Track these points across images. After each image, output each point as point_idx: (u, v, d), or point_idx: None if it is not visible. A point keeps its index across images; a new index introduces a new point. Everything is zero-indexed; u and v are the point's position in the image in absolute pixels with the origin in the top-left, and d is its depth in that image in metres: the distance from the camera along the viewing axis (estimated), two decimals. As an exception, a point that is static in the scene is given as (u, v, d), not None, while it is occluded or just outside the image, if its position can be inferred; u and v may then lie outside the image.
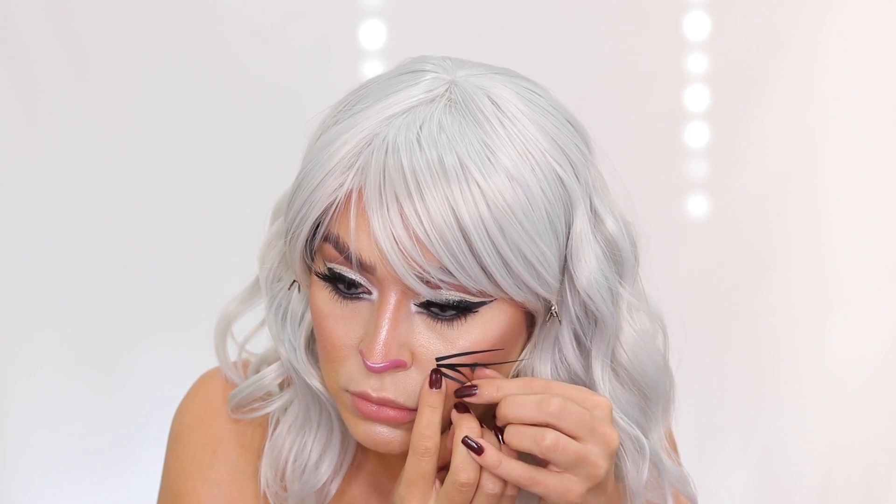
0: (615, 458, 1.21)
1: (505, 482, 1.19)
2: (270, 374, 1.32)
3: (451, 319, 1.17)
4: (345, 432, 1.32)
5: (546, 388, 1.19)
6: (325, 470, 1.32)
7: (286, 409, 1.32)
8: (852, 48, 2.50)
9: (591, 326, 1.23)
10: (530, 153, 1.16)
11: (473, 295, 1.16)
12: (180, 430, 1.35)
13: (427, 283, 1.15)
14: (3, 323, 2.47)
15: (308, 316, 1.28)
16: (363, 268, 1.16)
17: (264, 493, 1.32)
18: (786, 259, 2.54)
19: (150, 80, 2.45)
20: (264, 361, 1.35)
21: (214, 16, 2.45)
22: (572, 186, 1.18)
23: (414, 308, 1.17)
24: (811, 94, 2.51)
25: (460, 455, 1.17)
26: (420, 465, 1.18)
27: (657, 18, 2.52)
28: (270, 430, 1.32)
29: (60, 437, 2.46)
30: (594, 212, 1.21)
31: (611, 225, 1.22)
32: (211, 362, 1.39)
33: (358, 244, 1.16)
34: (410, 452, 1.18)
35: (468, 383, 1.19)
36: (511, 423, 1.18)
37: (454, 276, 1.14)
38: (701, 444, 2.49)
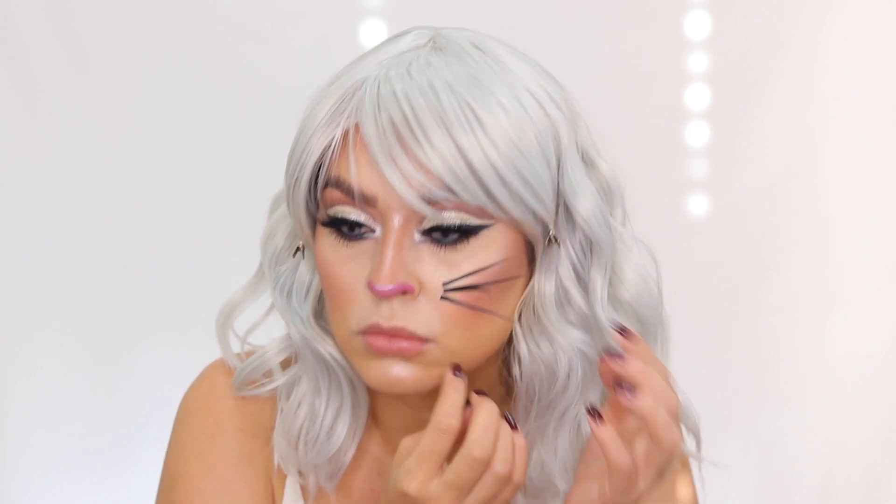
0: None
1: (513, 469, 1.20)
2: (273, 349, 1.33)
3: (454, 243, 1.20)
4: (356, 401, 1.32)
5: (668, 392, 1.21)
6: (339, 436, 1.32)
7: (292, 387, 1.33)
8: (852, 48, 2.50)
9: (589, 260, 1.26)
10: (514, 85, 1.22)
11: (474, 215, 1.19)
12: (182, 415, 1.36)
13: (430, 203, 1.18)
14: (3, 323, 2.47)
15: (314, 284, 1.30)
16: (366, 201, 1.20)
17: (278, 467, 1.33)
18: (786, 259, 2.54)
19: (150, 80, 2.45)
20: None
21: (214, 15, 2.45)
22: (556, 117, 1.23)
23: (417, 237, 1.20)
24: (811, 93, 2.51)
25: (478, 430, 1.18)
26: (437, 441, 1.19)
27: (658, 18, 2.52)
28: (280, 405, 1.33)
29: (60, 437, 2.46)
30: (587, 157, 1.26)
31: (604, 167, 1.27)
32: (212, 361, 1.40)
33: (359, 176, 1.19)
34: (430, 428, 1.19)
35: (619, 351, 1.20)
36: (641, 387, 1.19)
37: (456, 193, 1.18)
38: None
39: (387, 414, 1.34)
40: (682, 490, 1.38)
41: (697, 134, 2.54)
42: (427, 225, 1.20)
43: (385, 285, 1.19)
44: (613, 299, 1.28)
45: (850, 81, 2.51)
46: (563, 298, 1.26)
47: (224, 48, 2.45)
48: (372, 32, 2.47)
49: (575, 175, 1.24)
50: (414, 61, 1.21)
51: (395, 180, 1.17)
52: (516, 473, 1.20)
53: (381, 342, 1.21)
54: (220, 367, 1.37)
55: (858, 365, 2.53)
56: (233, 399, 1.35)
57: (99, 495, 2.46)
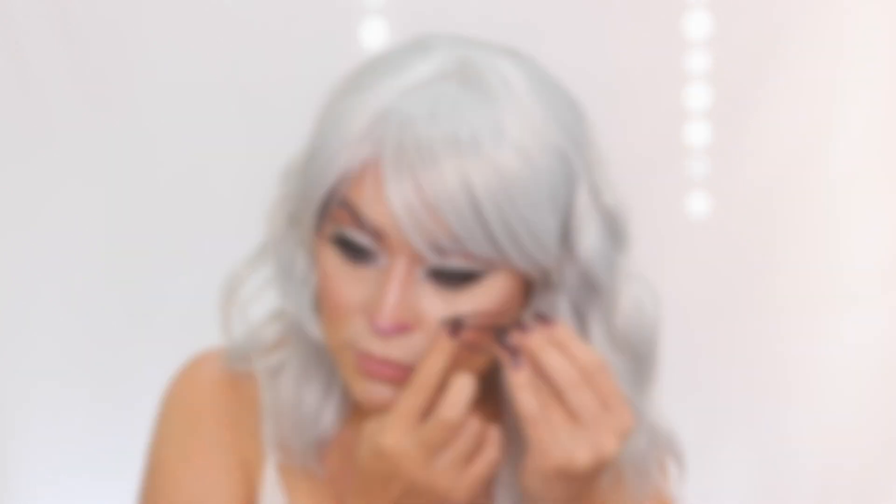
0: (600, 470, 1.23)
1: (483, 439, 1.21)
2: (271, 329, 1.36)
3: (457, 284, 1.22)
4: (342, 384, 1.34)
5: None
6: (327, 420, 1.34)
7: (282, 367, 1.35)
8: (853, 48, 2.50)
9: (588, 295, 1.27)
10: (536, 130, 1.21)
11: (479, 263, 1.21)
12: (163, 407, 1.40)
13: (437, 250, 1.20)
14: (3, 323, 2.47)
15: (311, 278, 1.31)
16: (376, 234, 1.21)
17: (258, 454, 1.35)
18: (787, 258, 2.54)
19: (149, 79, 2.45)
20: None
21: (214, 14, 2.45)
22: (575, 163, 1.23)
23: (421, 274, 1.22)
24: (812, 93, 2.51)
25: (451, 394, 1.20)
26: (410, 399, 1.21)
27: (658, 16, 2.52)
28: (267, 386, 1.35)
29: (62, 440, 2.46)
30: (594, 186, 1.26)
31: (608, 198, 1.27)
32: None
33: (373, 211, 1.20)
34: (409, 386, 1.21)
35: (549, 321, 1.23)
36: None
37: (463, 244, 1.19)
38: (701, 443, 2.49)
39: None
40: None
41: (697, 134, 2.54)
42: (431, 266, 1.21)
43: (386, 326, 1.21)
44: (610, 327, 1.29)
45: (851, 81, 2.51)
46: None
47: (224, 46, 2.45)
48: (372, 32, 2.47)
49: (582, 217, 1.25)
50: (440, 98, 1.20)
51: (407, 227, 1.19)
52: (487, 448, 1.22)
53: (372, 365, 1.23)
54: (200, 360, 1.40)
55: (859, 365, 2.53)
56: (211, 391, 1.38)
57: (100, 497, 2.45)
